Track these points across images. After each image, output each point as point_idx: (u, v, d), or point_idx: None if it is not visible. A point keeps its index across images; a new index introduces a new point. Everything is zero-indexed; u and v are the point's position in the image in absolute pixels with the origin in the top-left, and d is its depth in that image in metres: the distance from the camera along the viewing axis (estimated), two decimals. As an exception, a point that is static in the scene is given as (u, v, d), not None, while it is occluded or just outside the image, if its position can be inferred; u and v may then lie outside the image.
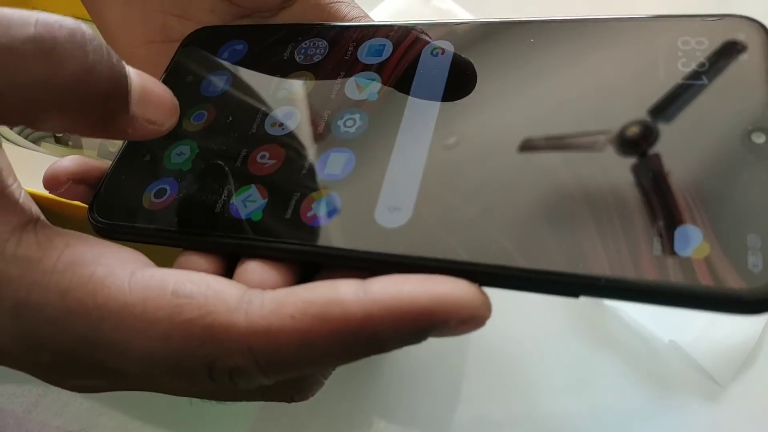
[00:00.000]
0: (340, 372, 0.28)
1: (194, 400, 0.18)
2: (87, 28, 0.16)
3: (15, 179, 0.18)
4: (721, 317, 0.31)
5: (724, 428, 0.29)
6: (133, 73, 0.17)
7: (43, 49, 0.15)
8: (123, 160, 0.21)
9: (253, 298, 0.16)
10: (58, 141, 0.35)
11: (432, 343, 0.31)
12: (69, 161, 0.20)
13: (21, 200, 0.17)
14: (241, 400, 0.18)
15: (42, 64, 0.15)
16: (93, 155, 0.34)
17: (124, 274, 0.16)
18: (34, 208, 0.18)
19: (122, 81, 0.16)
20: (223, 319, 0.15)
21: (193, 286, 0.16)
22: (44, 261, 0.16)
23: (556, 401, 0.30)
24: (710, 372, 0.30)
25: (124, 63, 0.16)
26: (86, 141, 0.34)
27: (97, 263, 0.16)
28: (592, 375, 0.31)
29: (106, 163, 0.21)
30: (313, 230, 0.17)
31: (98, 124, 0.16)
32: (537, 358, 0.31)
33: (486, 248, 0.16)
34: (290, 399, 0.18)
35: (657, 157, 0.16)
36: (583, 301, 0.32)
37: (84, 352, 0.15)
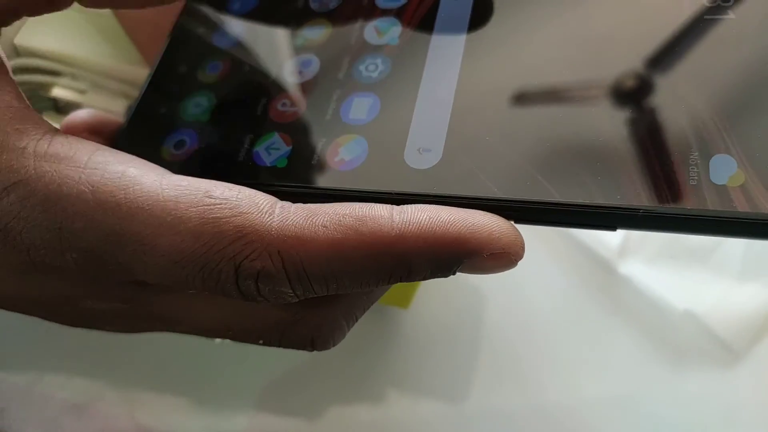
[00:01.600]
0: (353, 343, 0.27)
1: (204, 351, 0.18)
2: None
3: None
4: (736, 286, 0.31)
5: (741, 397, 0.29)
6: None
7: None
8: (138, 113, 0.20)
9: (285, 205, 0.15)
10: (59, 111, 0.34)
11: (446, 316, 0.31)
12: (85, 113, 0.20)
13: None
14: (258, 340, 0.18)
15: None
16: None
17: (157, 175, 0.16)
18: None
19: None
20: (255, 220, 0.15)
21: (225, 190, 0.15)
22: (76, 158, 0.15)
23: (569, 372, 0.30)
24: (726, 340, 0.30)
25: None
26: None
27: (129, 163, 0.16)
28: (606, 345, 0.30)
29: (121, 117, 0.20)
30: (342, 175, 0.17)
31: None
32: (551, 329, 0.31)
33: (520, 184, 0.16)
34: (310, 345, 0.18)
35: (689, 88, 0.16)
36: (596, 269, 0.32)
37: (111, 249, 0.15)
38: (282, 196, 0.17)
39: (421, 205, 0.15)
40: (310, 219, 0.15)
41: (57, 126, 0.17)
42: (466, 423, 0.29)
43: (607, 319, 0.31)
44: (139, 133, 0.20)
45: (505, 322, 0.31)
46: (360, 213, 0.15)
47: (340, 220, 0.15)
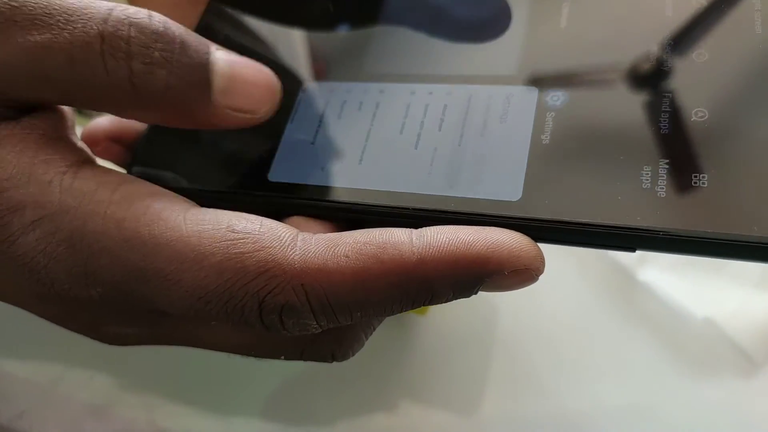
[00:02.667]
0: (369, 350, 0.27)
1: (227, 360, 0.18)
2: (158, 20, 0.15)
3: (74, 126, 0.18)
4: (756, 293, 0.31)
5: (761, 406, 0.29)
6: (222, 60, 0.16)
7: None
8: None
9: (307, 237, 0.15)
10: (82, 113, 0.34)
11: (463, 323, 0.30)
12: (106, 120, 0.20)
13: (78, 143, 0.17)
14: (280, 356, 0.18)
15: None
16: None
17: (180, 210, 0.16)
18: (90, 153, 0.17)
19: (199, 73, 0.16)
20: (278, 254, 0.15)
21: (247, 224, 0.15)
22: (100, 192, 0.16)
23: (586, 380, 0.30)
24: (746, 349, 0.30)
25: (209, 51, 0.16)
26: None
27: (152, 198, 0.16)
28: (625, 352, 0.30)
29: (142, 125, 0.21)
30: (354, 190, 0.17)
31: (176, 116, 0.16)
32: (568, 336, 0.31)
33: (541, 204, 0.15)
34: (331, 357, 0.18)
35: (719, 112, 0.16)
36: (615, 275, 0.31)
37: (135, 285, 0.15)
38: (298, 209, 0.18)
39: (440, 226, 0.15)
40: (332, 250, 0.15)
41: (80, 129, 0.18)
42: (481, 430, 0.29)
43: (625, 327, 0.31)
44: (160, 141, 0.20)
45: (522, 329, 0.31)
46: (380, 240, 0.15)
47: (361, 249, 0.15)
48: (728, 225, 0.14)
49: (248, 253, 0.15)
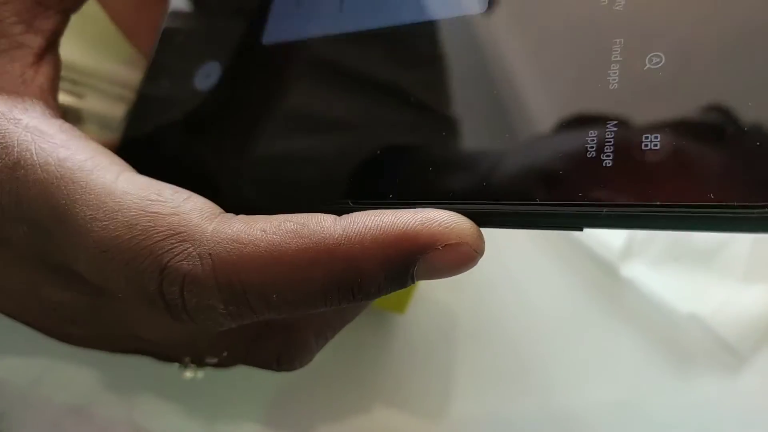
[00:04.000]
0: (349, 349, 0.27)
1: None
2: None
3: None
4: (741, 288, 0.30)
5: (747, 401, 0.28)
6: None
7: None
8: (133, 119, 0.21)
9: (229, 215, 0.15)
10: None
11: (444, 321, 0.30)
12: None
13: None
14: (221, 353, 0.17)
15: None
16: (94, 129, 0.33)
17: (120, 168, 0.16)
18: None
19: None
20: (192, 220, 0.14)
21: (175, 193, 0.15)
22: (56, 135, 0.16)
23: (572, 377, 0.29)
24: (732, 344, 0.29)
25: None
26: (88, 116, 0.34)
27: (101, 154, 0.16)
28: (610, 349, 0.30)
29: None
30: None
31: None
32: (552, 333, 0.31)
33: (479, 188, 0.14)
34: (276, 362, 0.17)
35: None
36: (598, 271, 0.31)
37: (54, 226, 0.15)
38: None
39: (366, 211, 0.14)
40: (250, 224, 0.14)
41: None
42: (465, 429, 0.28)
43: (610, 323, 0.30)
44: (136, 140, 0.20)
45: (505, 325, 0.31)
46: (302, 219, 0.14)
47: (279, 225, 0.14)
48: (681, 194, 0.12)
49: (164, 215, 0.14)
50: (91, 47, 0.30)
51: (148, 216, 0.14)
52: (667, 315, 0.30)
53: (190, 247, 0.14)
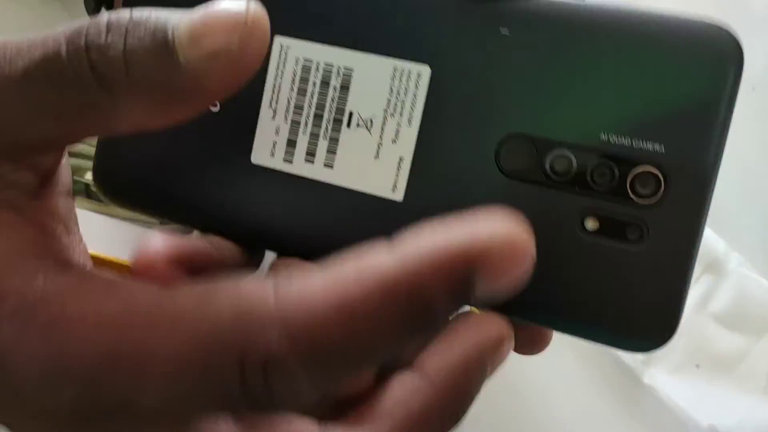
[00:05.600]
0: None
1: None
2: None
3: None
4: (762, 401, 0.30)
5: None
6: (173, 17, 0.14)
7: None
8: None
9: (277, 277, 0.14)
10: (89, 196, 0.34)
11: (461, 428, 0.30)
12: (160, 243, 0.17)
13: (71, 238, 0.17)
14: None
15: None
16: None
17: (157, 287, 0.15)
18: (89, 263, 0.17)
19: (157, 37, 0.14)
20: (253, 295, 0.13)
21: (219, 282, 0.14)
22: (85, 285, 0.14)
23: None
24: (751, 459, 0.29)
25: (158, 16, 0.14)
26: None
27: (136, 289, 0.15)
28: (628, 456, 0.30)
29: (210, 246, 0.19)
30: None
31: (153, 100, 0.14)
32: (571, 436, 0.31)
33: None
34: None
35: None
36: (622, 374, 0.31)
37: (108, 375, 0.14)
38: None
39: (414, 229, 0.13)
40: (307, 277, 0.13)
41: (85, 211, 0.16)
42: None
43: (629, 430, 0.31)
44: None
45: (526, 426, 0.31)
46: (354, 259, 0.13)
47: (335, 273, 0.13)
48: None
49: (223, 304, 0.13)
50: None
51: (208, 317, 0.13)
52: (686, 426, 0.30)
53: (260, 323, 0.13)
